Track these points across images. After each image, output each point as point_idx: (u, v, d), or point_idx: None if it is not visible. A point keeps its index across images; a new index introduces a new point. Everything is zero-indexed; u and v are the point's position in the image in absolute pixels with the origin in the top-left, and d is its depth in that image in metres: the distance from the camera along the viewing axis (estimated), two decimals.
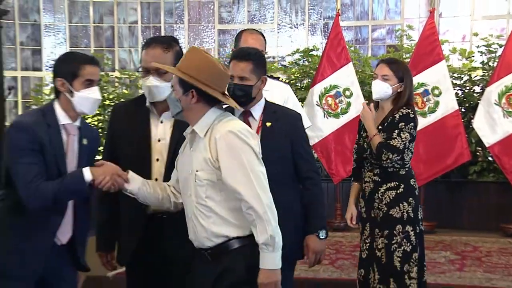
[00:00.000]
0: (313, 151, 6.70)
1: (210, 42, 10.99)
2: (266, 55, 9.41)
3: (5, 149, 2.74)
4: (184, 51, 2.90)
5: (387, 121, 3.70)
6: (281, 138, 3.08)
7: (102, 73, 8.16)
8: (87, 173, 2.65)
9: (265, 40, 3.97)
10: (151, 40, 3.02)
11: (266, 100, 3.19)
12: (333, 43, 7.02)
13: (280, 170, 3.01)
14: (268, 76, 4.04)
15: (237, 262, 2.50)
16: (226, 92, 2.64)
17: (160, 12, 10.96)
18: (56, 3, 10.81)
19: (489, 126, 6.75)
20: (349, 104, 7.03)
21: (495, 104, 6.70)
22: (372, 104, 3.81)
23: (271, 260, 2.47)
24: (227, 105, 2.68)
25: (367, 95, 7.78)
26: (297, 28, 10.68)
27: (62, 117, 2.79)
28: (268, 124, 3.11)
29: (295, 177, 3.14)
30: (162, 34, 10.63)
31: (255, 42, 3.82)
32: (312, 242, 3.08)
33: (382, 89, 3.75)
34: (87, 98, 2.76)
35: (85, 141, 2.86)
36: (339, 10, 8.46)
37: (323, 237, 3.09)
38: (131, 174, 2.74)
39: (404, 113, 3.65)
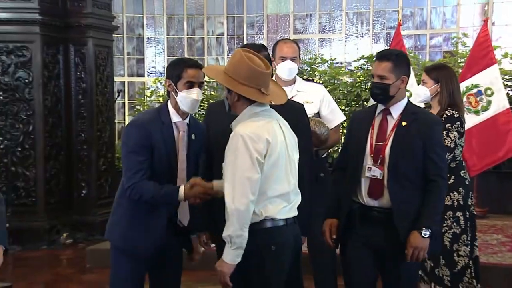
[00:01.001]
0: None
1: None
2: (334, 61, 9.18)
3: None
4: None
5: None
6: (414, 138, 2.79)
7: None
8: (181, 194, 2.67)
9: (299, 48, 3.83)
10: (243, 46, 3.00)
11: (409, 101, 2.93)
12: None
13: (409, 167, 2.78)
14: (303, 79, 3.96)
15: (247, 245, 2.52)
16: (264, 89, 2.53)
17: (243, 25, 11.05)
18: (157, 19, 11.08)
19: None
20: None
21: None
22: None
23: (226, 253, 2.48)
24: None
25: None
26: (362, 37, 10.55)
27: (174, 115, 2.79)
28: (404, 123, 2.83)
29: (422, 176, 2.80)
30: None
31: (288, 50, 3.72)
32: (413, 238, 2.72)
33: (421, 92, 3.75)
34: (186, 98, 2.73)
35: (193, 136, 2.85)
36: (400, 20, 8.28)
37: (425, 236, 2.71)
38: (216, 184, 2.72)
39: (449, 114, 3.60)
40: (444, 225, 3.60)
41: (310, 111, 3.43)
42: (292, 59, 3.71)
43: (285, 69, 3.70)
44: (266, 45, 3.90)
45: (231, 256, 2.47)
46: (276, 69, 3.74)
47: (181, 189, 2.69)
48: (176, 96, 2.75)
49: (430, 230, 2.72)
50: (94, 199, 6.64)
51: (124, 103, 10.91)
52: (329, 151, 4.01)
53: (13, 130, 6.18)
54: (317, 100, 3.79)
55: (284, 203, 2.57)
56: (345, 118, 4.13)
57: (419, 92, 3.79)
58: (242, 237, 2.44)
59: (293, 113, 2.96)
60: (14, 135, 6.19)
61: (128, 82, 10.98)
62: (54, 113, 6.44)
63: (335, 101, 7.83)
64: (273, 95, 2.58)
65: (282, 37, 10.81)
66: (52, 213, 6.38)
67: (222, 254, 2.54)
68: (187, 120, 2.84)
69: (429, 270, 3.68)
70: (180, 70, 2.74)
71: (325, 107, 3.83)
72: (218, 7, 11.08)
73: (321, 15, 10.72)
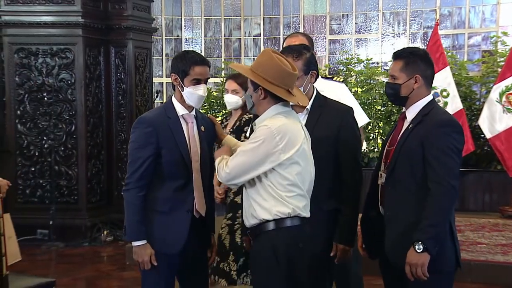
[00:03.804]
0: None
1: (322, 50, 10.95)
2: (370, 61, 9.01)
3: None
4: None
5: None
6: (414, 142, 2.56)
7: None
8: (134, 244, 2.71)
9: (309, 40, 3.48)
10: (284, 48, 2.96)
11: (430, 102, 2.65)
12: (432, 49, 6.79)
13: (404, 172, 2.58)
14: (322, 77, 3.58)
15: (264, 243, 2.51)
16: (291, 90, 2.53)
17: (279, 25, 11.05)
18: (195, 21, 11.18)
19: None
20: (445, 103, 6.78)
21: None
22: None
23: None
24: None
25: (463, 96, 7.48)
26: (399, 37, 10.43)
27: (180, 109, 2.79)
28: (410, 126, 2.63)
29: (423, 184, 2.54)
30: (281, 46, 10.72)
31: (293, 43, 3.33)
32: (408, 253, 2.50)
33: (232, 100, 3.76)
34: (193, 94, 2.74)
35: (202, 128, 2.85)
36: (438, 20, 8.16)
37: (419, 250, 2.46)
38: (227, 139, 2.90)
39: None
40: (236, 222, 3.50)
41: None
42: None
43: None
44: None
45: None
46: None
47: (137, 243, 2.70)
48: (182, 91, 2.76)
49: (422, 244, 2.46)
50: None
51: (162, 103, 11.03)
52: None
53: (57, 130, 6.32)
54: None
55: (305, 200, 2.57)
56: (368, 120, 3.67)
57: (229, 101, 3.74)
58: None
59: (338, 114, 2.87)
60: (57, 135, 6.33)
61: (166, 83, 11.10)
62: (95, 114, 6.56)
63: (371, 101, 7.87)
64: (298, 96, 2.60)
65: (318, 38, 10.79)
66: (93, 211, 6.49)
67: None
68: (193, 113, 2.84)
69: (215, 265, 3.54)
70: (187, 66, 2.73)
71: None
72: (255, 8, 11.11)
73: (357, 15, 10.64)
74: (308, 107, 2.88)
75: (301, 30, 10.82)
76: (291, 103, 2.60)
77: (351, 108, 3.00)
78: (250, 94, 2.61)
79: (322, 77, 3.60)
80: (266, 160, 2.44)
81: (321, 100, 2.94)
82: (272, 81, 2.50)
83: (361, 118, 3.58)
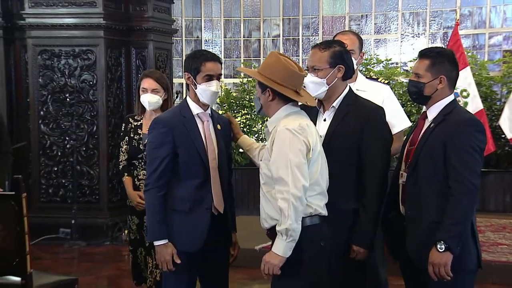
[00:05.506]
0: None
1: None
2: (389, 61, 8.96)
3: None
4: None
5: None
6: (436, 141, 2.55)
7: (250, 78, 8.36)
8: (156, 243, 2.73)
9: (359, 39, 3.41)
10: (317, 44, 2.92)
11: (451, 102, 2.64)
12: (452, 49, 6.72)
13: (427, 171, 2.56)
14: (367, 77, 3.57)
15: None
16: (299, 91, 2.55)
17: (298, 26, 11.04)
18: (214, 22, 11.21)
19: None
20: (466, 104, 6.72)
21: None
22: None
23: (280, 246, 2.42)
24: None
25: (483, 96, 7.40)
26: (418, 37, 10.36)
27: (195, 108, 2.81)
28: (432, 125, 2.61)
29: (444, 183, 2.52)
30: (300, 46, 10.72)
31: (345, 41, 3.20)
32: (431, 253, 2.49)
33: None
34: (206, 90, 2.76)
35: (219, 127, 2.87)
36: (458, 20, 8.09)
37: (441, 250, 2.45)
38: (243, 138, 2.97)
39: None
40: None
41: None
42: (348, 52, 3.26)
43: None
44: None
45: (285, 249, 2.42)
46: None
47: (159, 243, 2.72)
48: (196, 89, 2.77)
49: (445, 244, 2.45)
50: None
51: None
52: None
53: (78, 130, 6.38)
54: (377, 102, 3.28)
55: (325, 199, 2.58)
56: (410, 124, 3.62)
57: (150, 101, 3.65)
58: (297, 230, 2.41)
59: (364, 111, 2.80)
60: (79, 135, 6.39)
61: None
62: (116, 114, 6.60)
63: None
64: (305, 97, 2.61)
65: None
66: (114, 211, 6.53)
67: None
68: (208, 111, 2.86)
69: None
70: (198, 63, 2.76)
71: (386, 110, 3.25)
72: (274, 9, 11.11)
73: (376, 15, 10.59)
74: (335, 105, 2.83)
75: (320, 31, 10.80)
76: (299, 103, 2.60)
77: (381, 107, 2.95)
78: (258, 96, 2.62)
79: (366, 77, 3.59)
80: (301, 154, 2.44)
81: (351, 99, 2.86)
82: (280, 82, 2.52)
83: (404, 122, 3.51)
